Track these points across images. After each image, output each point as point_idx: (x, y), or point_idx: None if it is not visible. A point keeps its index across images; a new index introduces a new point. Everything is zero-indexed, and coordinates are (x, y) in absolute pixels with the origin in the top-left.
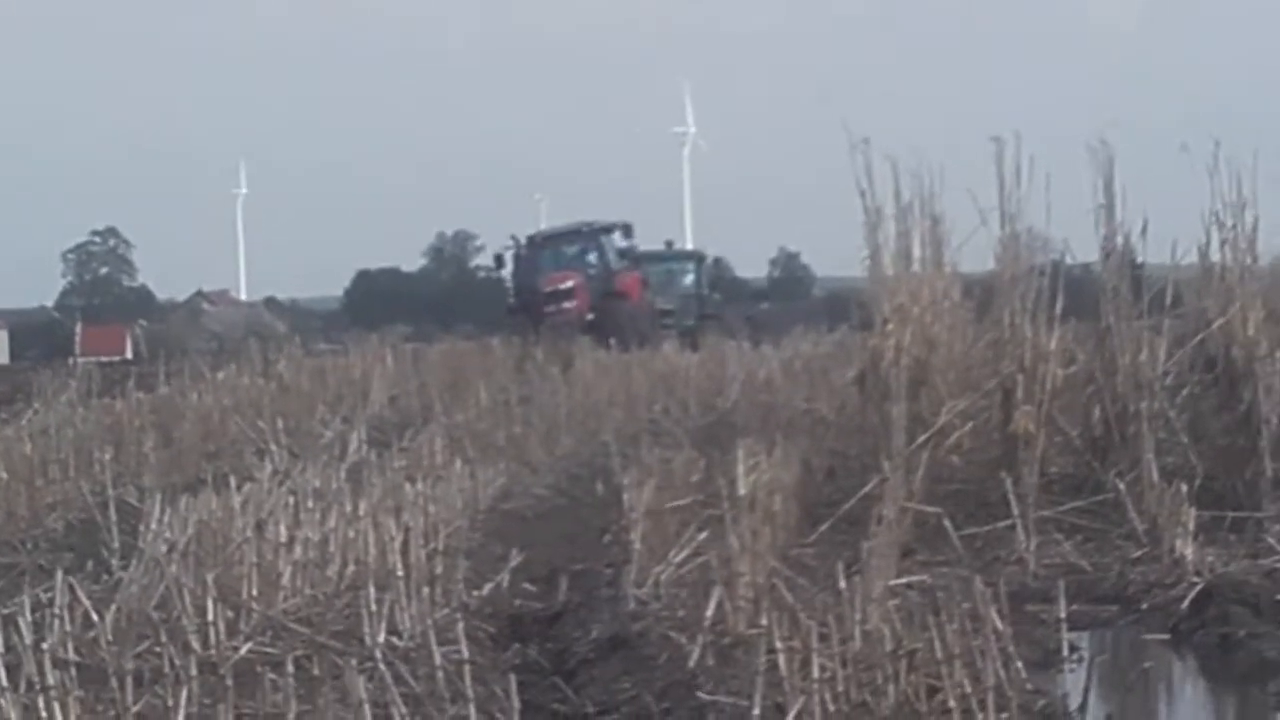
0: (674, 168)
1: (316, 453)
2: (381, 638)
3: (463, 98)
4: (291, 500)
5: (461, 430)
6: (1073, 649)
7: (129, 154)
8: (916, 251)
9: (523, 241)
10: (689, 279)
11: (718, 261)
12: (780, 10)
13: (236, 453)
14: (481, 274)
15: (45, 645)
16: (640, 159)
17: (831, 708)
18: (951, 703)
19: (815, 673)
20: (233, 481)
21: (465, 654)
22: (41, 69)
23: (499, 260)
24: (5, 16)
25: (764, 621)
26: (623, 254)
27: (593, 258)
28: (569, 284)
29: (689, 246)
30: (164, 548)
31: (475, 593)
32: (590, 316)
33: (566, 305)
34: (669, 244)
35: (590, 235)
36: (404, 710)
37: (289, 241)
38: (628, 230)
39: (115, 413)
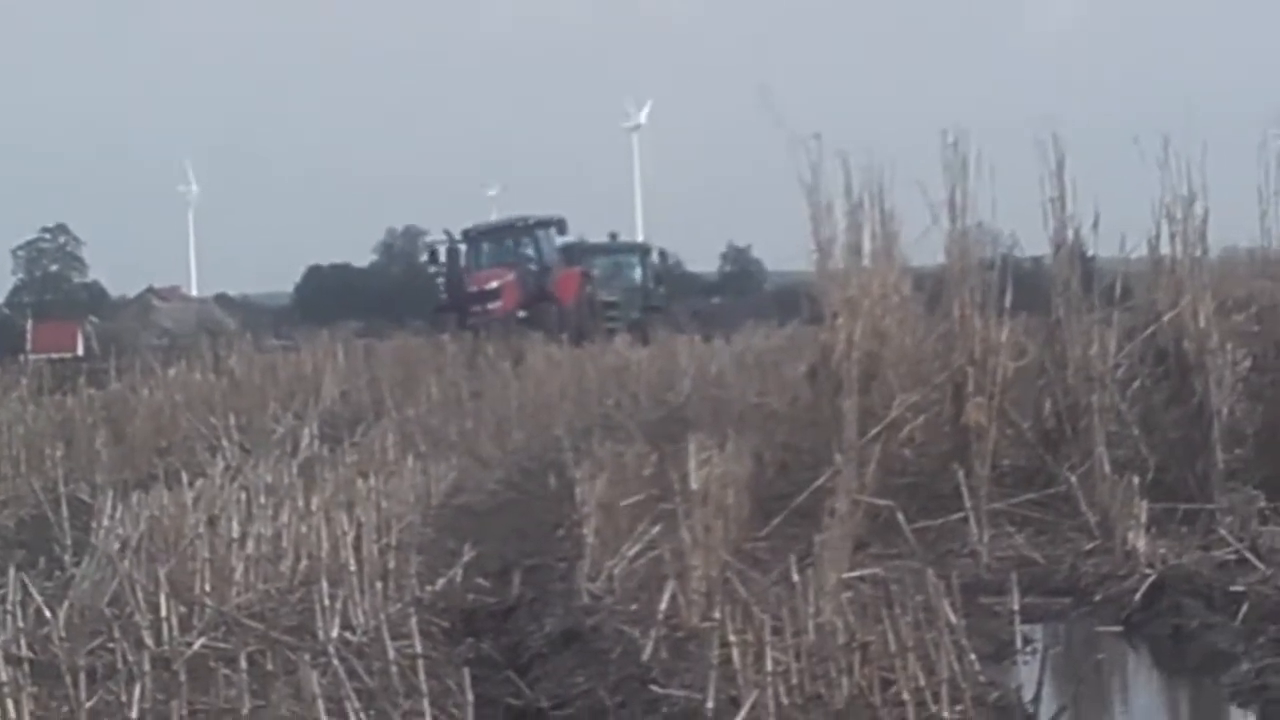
0: (625, 162)
1: (269, 448)
2: (335, 632)
3: (413, 93)
4: (244, 496)
5: (413, 425)
6: (1026, 641)
7: (78, 150)
8: (867, 245)
9: (456, 236)
10: (635, 271)
11: (663, 254)
12: (733, 2)
13: (188, 449)
14: (431, 269)
15: None
16: (591, 154)
17: (785, 700)
18: (905, 695)
19: (769, 665)
20: (185, 477)
21: (419, 648)
22: None
23: (432, 255)
24: None
25: (717, 615)
26: (562, 250)
27: (529, 253)
28: (494, 284)
29: (639, 239)
30: (116, 544)
31: (428, 587)
32: (522, 314)
33: (492, 306)
34: (613, 236)
35: (525, 230)
36: (357, 705)
37: (240, 238)
38: (561, 226)
39: (66, 409)
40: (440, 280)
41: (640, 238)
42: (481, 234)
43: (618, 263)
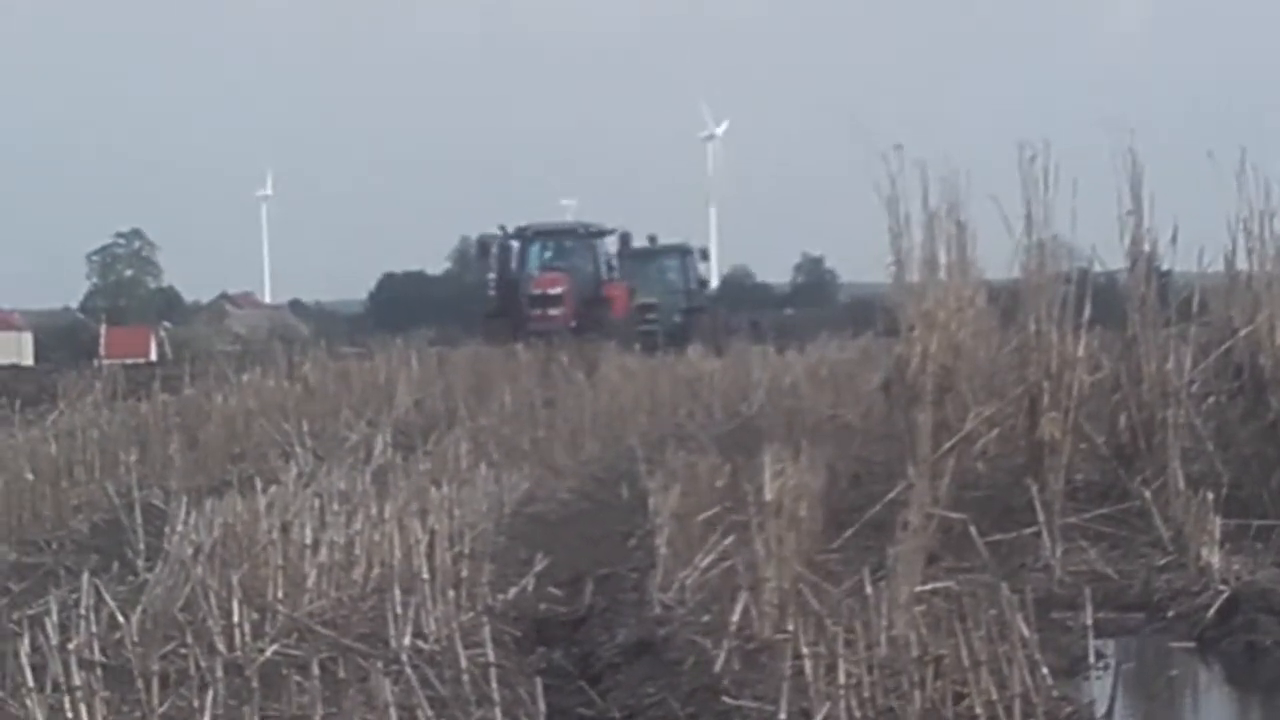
0: (699, 173)
1: (342, 455)
2: (407, 640)
3: (491, 101)
4: (317, 503)
5: (486, 434)
6: (1099, 656)
7: (154, 156)
8: (942, 258)
9: (510, 232)
10: (675, 274)
11: (705, 253)
12: (808, 13)
13: (261, 455)
14: (486, 268)
15: (71, 646)
16: (667, 164)
17: (858, 713)
18: (978, 709)
19: (841, 678)
20: (258, 484)
21: (491, 657)
22: (69, 71)
23: (482, 248)
24: (35, 19)
25: (790, 627)
26: (610, 264)
27: (583, 261)
28: (558, 289)
29: (697, 242)
30: (189, 550)
31: (500, 596)
32: (573, 324)
33: (553, 312)
34: (652, 239)
35: (585, 236)
36: (429, 713)
37: (314, 244)
38: (625, 238)
39: (140, 414)
40: (490, 279)
41: (714, 248)
42: (538, 234)
43: (659, 266)
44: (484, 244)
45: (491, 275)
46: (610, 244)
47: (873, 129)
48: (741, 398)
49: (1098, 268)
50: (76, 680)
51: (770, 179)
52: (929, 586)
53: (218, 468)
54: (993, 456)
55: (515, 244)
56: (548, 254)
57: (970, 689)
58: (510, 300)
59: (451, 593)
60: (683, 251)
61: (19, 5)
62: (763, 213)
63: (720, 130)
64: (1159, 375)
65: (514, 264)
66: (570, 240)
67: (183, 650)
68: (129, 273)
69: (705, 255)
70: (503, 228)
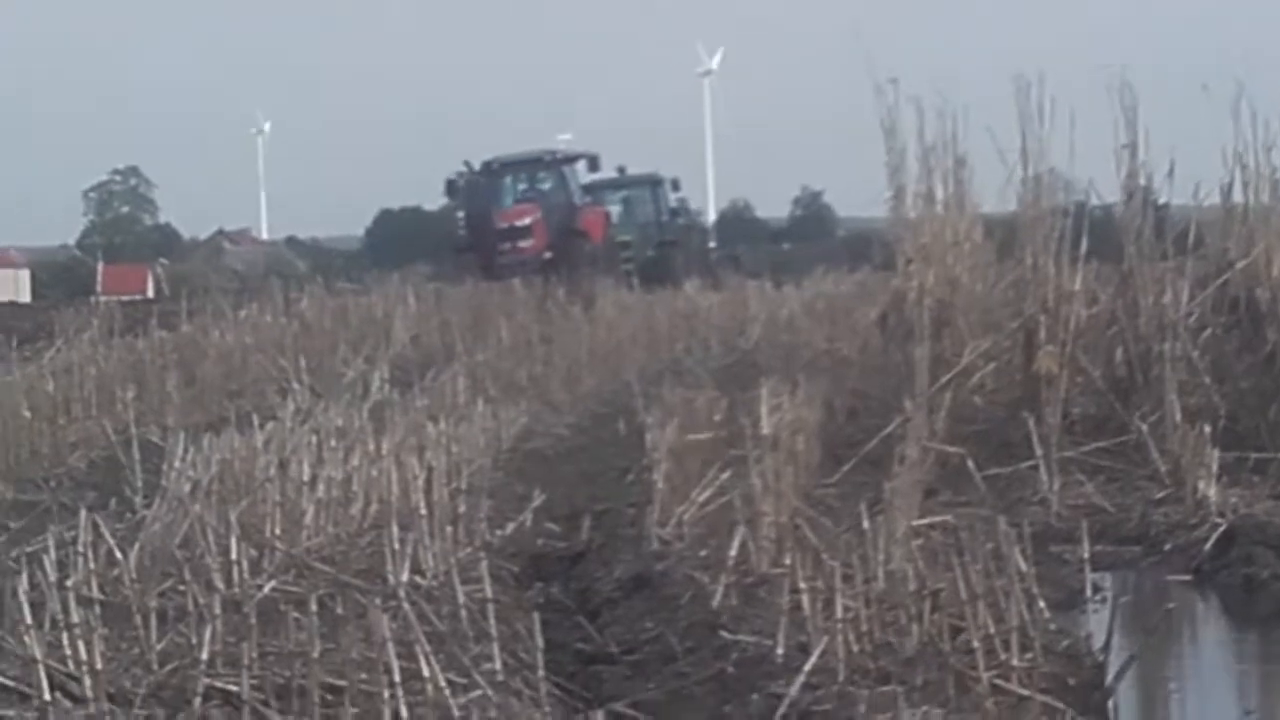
0: (696, 107)
1: (339, 392)
2: (405, 576)
3: (485, 35)
4: (314, 439)
5: (483, 370)
6: (1096, 589)
7: (150, 93)
8: (940, 192)
9: (477, 167)
10: (648, 206)
11: (676, 184)
12: None
13: (259, 392)
14: (452, 204)
15: (69, 583)
16: (664, 100)
17: (855, 647)
18: (975, 643)
19: (838, 613)
20: (255, 420)
21: (488, 593)
22: (65, 8)
23: (451, 188)
24: None
25: (787, 561)
26: (586, 188)
27: (554, 189)
28: (526, 220)
29: (714, 190)
30: (187, 486)
31: (498, 532)
32: (548, 255)
33: (522, 244)
34: (621, 170)
35: (552, 164)
36: (428, 648)
37: (311, 181)
38: (594, 162)
39: (137, 351)
40: (459, 217)
41: (711, 183)
42: (505, 167)
43: (628, 198)
44: (451, 183)
45: (460, 213)
46: (580, 169)
47: (870, 62)
48: (739, 332)
49: (1094, 201)
50: (75, 617)
51: (768, 114)
52: (926, 520)
53: (215, 404)
54: (989, 390)
55: (483, 179)
56: (516, 186)
57: (967, 622)
58: (481, 235)
59: (449, 529)
60: (653, 182)
61: None
62: (761, 148)
63: (715, 63)
64: (1156, 309)
65: (484, 199)
66: (539, 170)
67: (180, 587)
68: (125, 210)
69: (676, 185)
70: (468, 163)
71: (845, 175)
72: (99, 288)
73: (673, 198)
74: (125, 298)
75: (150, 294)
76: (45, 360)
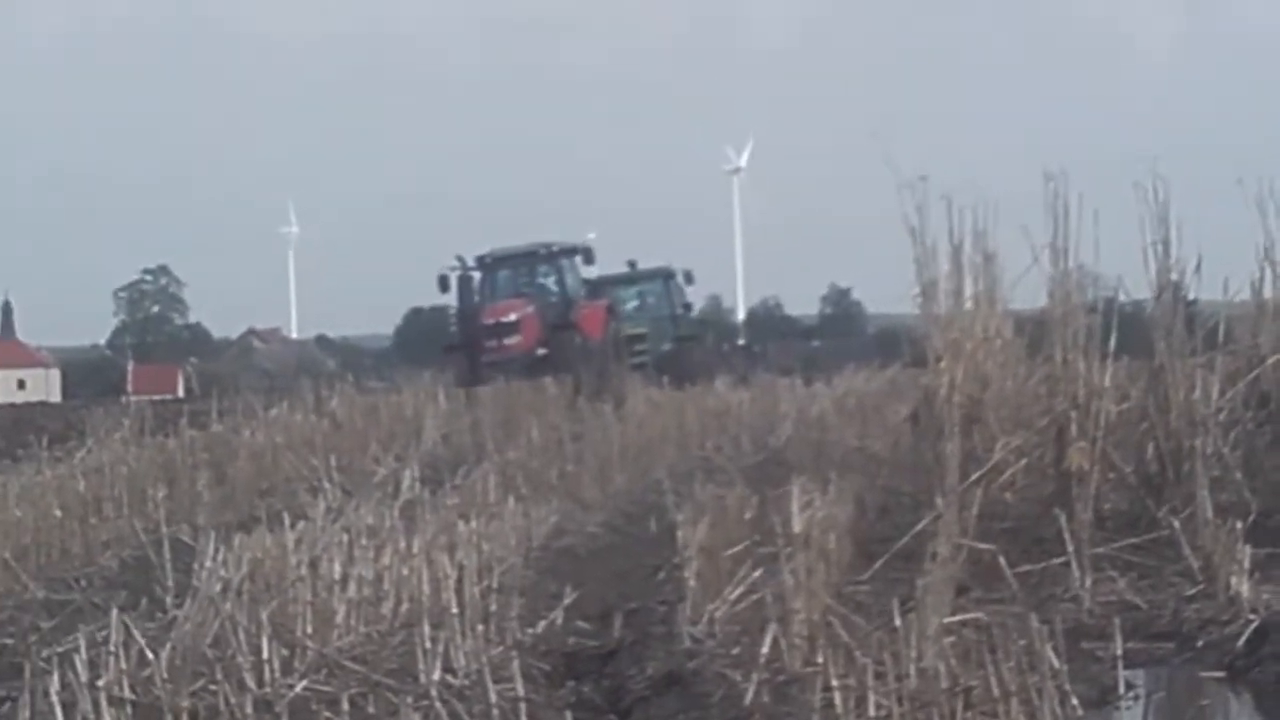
0: (725, 205)
1: (370, 490)
2: (436, 675)
3: (514, 136)
4: (345, 538)
5: (514, 468)
6: (1129, 687)
7: (180, 193)
8: (969, 288)
9: (470, 262)
10: (662, 300)
11: (689, 276)
12: (831, 44)
13: (290, 490)
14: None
15: (100, 683)
16: (692, 198)
17: None
18: None
19: (871, 710)
20: (286, 519)
21: (520, 691)
22: (92, 109)
23: (443, 283)
24: (59, 55)
25: (819, 659)
26: (597, 283)
27: (550, 283)
28: (513, 316)
29: (743, 287)
30: (218, 586)
31: (530, 630)
32: (541, 352)
33: (509, 341)
34: (632, 264)
35: (548, 258)
36: None
37: (340, 279)
38: (588, 255)
39: (168, 450)
40: (452, 314)
41: (741, 280)
42: (499, 261)
43: (641, 292)
44: (444, 278)
45: (452, 313)
46: (578, 263)
47: (899, 160)
48: (769, 429)
49: (1123, 297)
50: (106, 717)
51: (798, 211)
52: (958, 617)
53: (246, 503)
54: (1021, 487)
55: (477, 274)
56: (510, 280)
57: None
58: (470, 333)
59: (480, 627)
60: (666, 275)
61: (46, 43)
62: (791, 245)
63: (744, 160)
64: (1186, 404)
65: (476, 294)
66: (534, 263)
67: (212, 687)
68: (156, 309)
69: (690, 278)
70: (460, 259)
71: (874, 272)
72: (129, 387)
73: (686, 291)
74: (156, 397)
75: (181, 393)
76: (76, 460)
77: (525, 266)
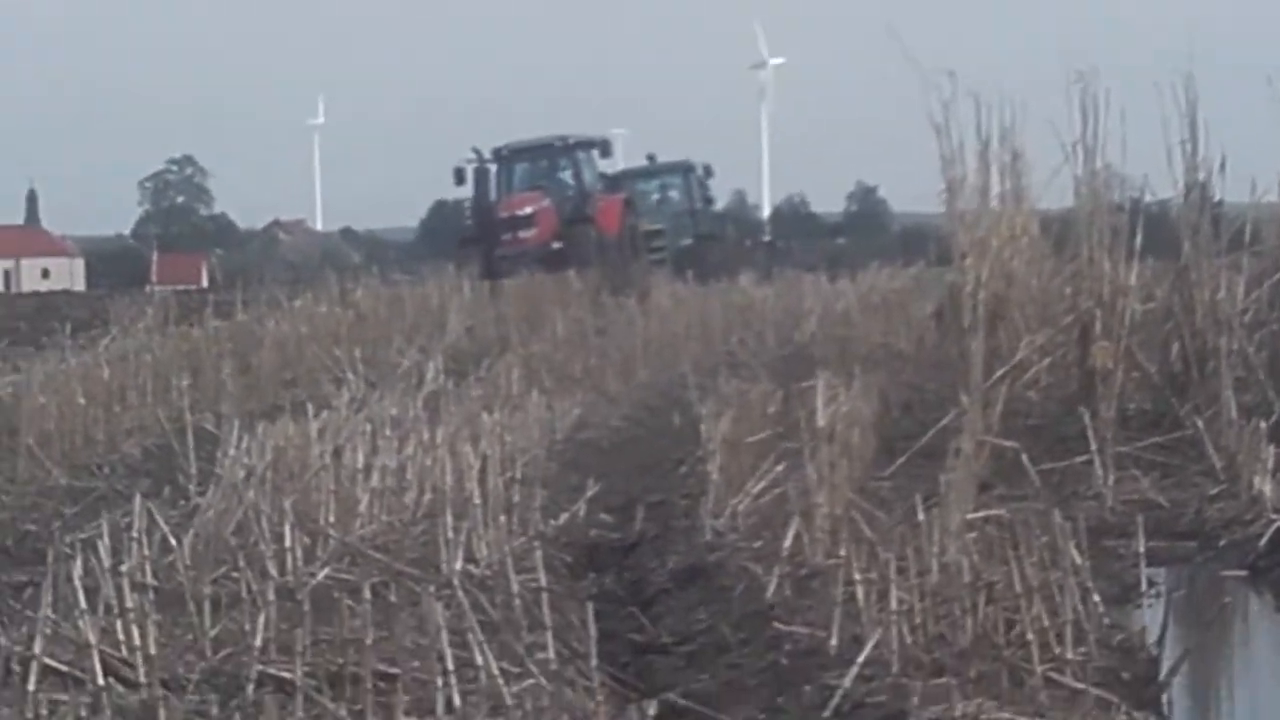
0: (751, 103)
1: (393, 381)
2: (458, 565)
3: (541, 27)
4: (369, 428)
5: (538, 361)
6: (1150, 585)
7: (206, 83)
8: (995, 186)
9: (486, 155)
10: (680, 194)
11: (708, 170)
12: None
13: (314, 381)
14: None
15: (123, 569)
16: (720, 94)
17: (909, 639)
18: (1029, 636)
19: (893, 605)
20: (310, 409)
21: (542, 582)
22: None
23: (459, 176)
24: None
25: (841, 553)
26: (616, 176)
27: (567, 177)
28: (528, 209)
29: (769, 183)
30: (241, 474)
31: (552, 522)
32: (556, 245)
33: (524, 234)
34: (651, 158)
35: (564, 151)
36: (481, 637)
37: (366, 171)
38: (605, 148)
39: (192, 340)
40: (467, 207)
41: (766, 177)
42: (515, 153)
43: (662, 185)
44: (459, 171)
45: (468, 202)
46: (595, 156)
47: (924, 56)
48: (794, 325)
49: (1148, 197)
50: (129, 603)
51: (824, 108)
52: (980, 514)
53: (270, 393)
54: (1044, 385)
55: (493, 167)
56: (526, 173)
57: (1022, 616)
58: (486, 227)
59: (503, 518)
60: (685, 169)
61: None
62: (817, 142)
63: (774, 63)
64: (1211, 304)
65: (493, 187)
66: (550, 156)
67: (234, 574)
68: (181, 199)
69: (709, 172)
70: (477, 151)
71: (901, 170)
72: (153, 277)
73: (708, 185)
74: (180, 287)
75: (205, 284)
76: (100, 348)
77: (542, 159)
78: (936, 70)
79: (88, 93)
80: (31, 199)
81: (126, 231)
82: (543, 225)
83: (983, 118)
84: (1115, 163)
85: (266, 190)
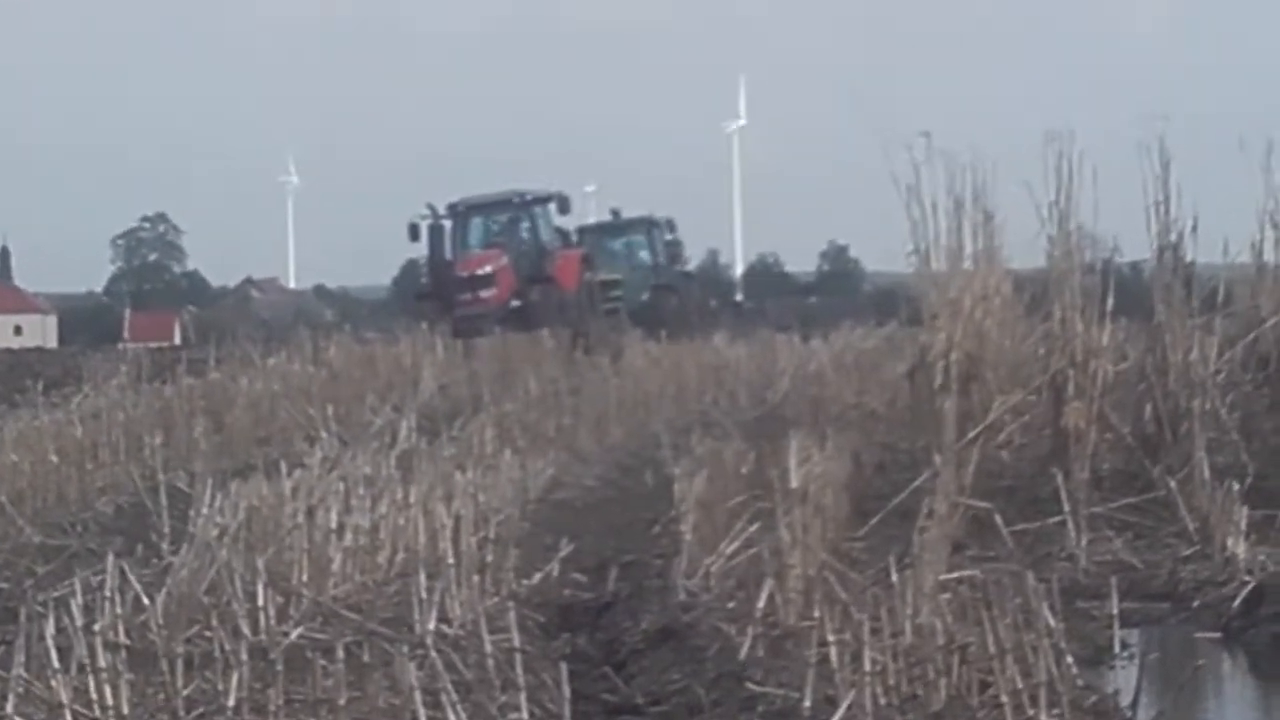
0: (724, 162)
1: (367, 440)
2: (432, 625)
3: (515, 88)
4: (342, 487)
5: (511, 420)
6: (1124, 646)
7: (179, 141)
8: (968, 247)
9: (441, 211)
10: (643, 250)
11: (671, 225)
12: (835, 2)
13: (287, 439)
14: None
15: (96, 628)
16: (691, 153)
17: (883, 700)
18: (1003, 698)
19: (866, 665)
20: (283, 468)
21: (516, 642)
22: (94, 57)
23: (413, 232)
24: (64, 4)
25: (815, 614)
26: (580, 231)
27: (524, 233)
28: (488, 268)
29: (742, 243)
30: (215, 532)
31: (525, 581)
32: (516, 304)
33: (484, 294)
34: (615, 213)
35: (521, 206)
36: (454, 697)
37: (339, 230)
38: (563, 203)
39: (165, 398)
40: (422, 263)
41: (739, 237)
42: (470, 209)
43: (626, 241)
44: (414, 227)
45: (423, 262)
46: (551, 211)
47: (898, 117)
48: (767, 385)
49: (1120, 258)
50: (102, 662)
51: (797, 167)
52: (954, 575)
53: (243, 451)
54: (1018, 445)
55: (448, 223)
56: (482, 229)
57: (995, 677)
58: (442, 283)
59: (476, 578)
60: (649, 224)
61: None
62: (789, 202)
63: (744, 117)
64: (1184, 366)
65: (448, 244)
66: (507, 212)
67: (207, 633)
68: (154, 257)
69: (672, 227)
70: (431, 207)
71: (873, 229)
72: (126, 334)
73: (669, 240)
74: (153, 345)
75: (178, 341)
76: (73, 406)
77: (498, 215)
78: (910, 131)
79: (60, 150)
80: (4, 255)
81: (99, 289)
82: (502, 284)
83: (955, 178)
84: (1088, 223)
85: (239, 248)
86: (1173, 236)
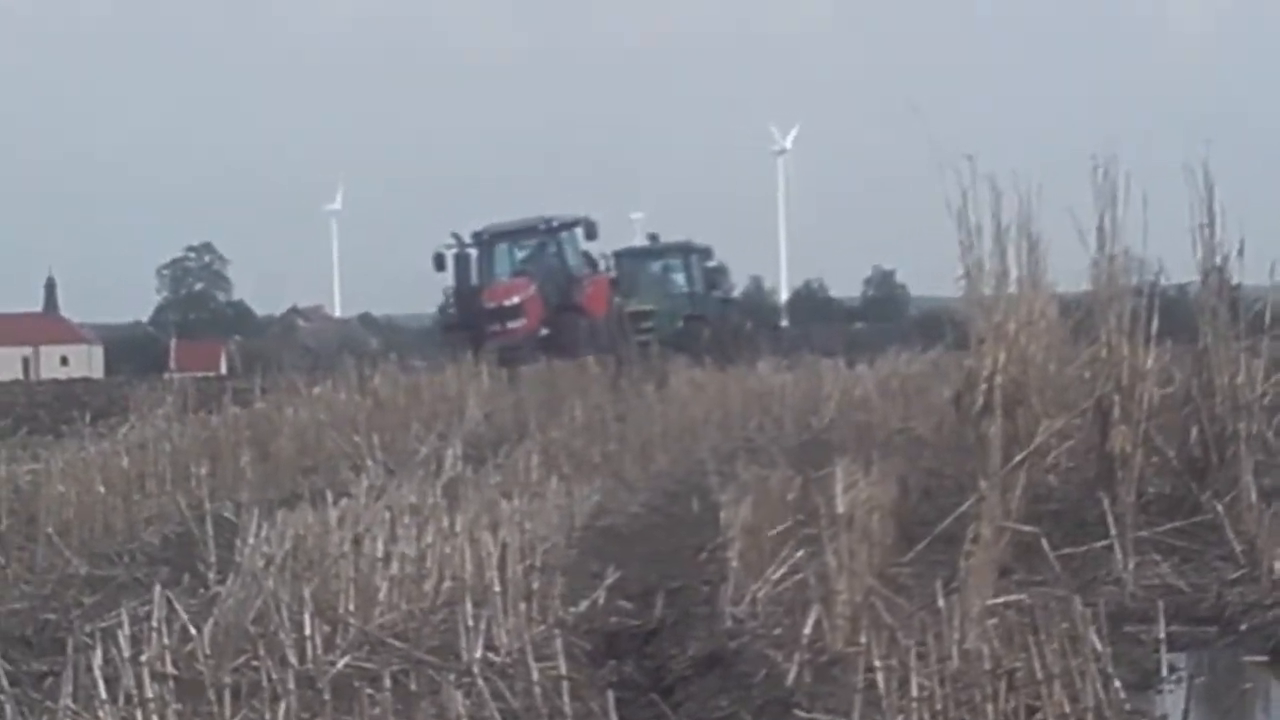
0: (770, 186)
1: (412, 468)
2: (478, 653)
3: (560, 113)
4: (388, 515)
5: (557, 447)
6: (1171, 670)
7: (225, 170)
8: (1013, 271)
9: (467, 239)
10: (679, 276)
11: (708, 252)
12: (878, 26)
13: (333, 468)
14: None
15: (143, 658)
16: (738, 179)
17: None
18: None
19: (914, 691)
20: (329, 496)
21: (562, 670)
22: (140, 88)
23: (439, 262)
24: (106, 29)
25: (862, 640)
26: (587, 256)
27: (551, 259)
28: (516, 299)
29: (786, 269)
30: (261, 562)
31: (572, 609)
32: (545, 332)
33: (513, 325)
34: (653, 238)
35: (547, 232)
36: None
37: (384, 258)
38: (590, 229)
39: (211, 427)
40: (448, 293)
41: (784, 262)
42: (495, 237)
43: (664, 266)
44: (439, 256)
45: (448, 292)
46: (579, 236)
47: (944, 141)
48: (812, 411)
49: (1165, 281)
50: (149, 692)
51: (842, 193)
52: (1001, 599)
53: (289, 480)
54: (1064, 469)
55: (473, 252)
56: (508, 257)
57: (1043, 702)
58: (469, 313)
59: (523, 606)
60: (686, 250)
61: (93, 13)
62: (835, 227)
63: (789, 141)
64: (1231, 389)
65: (474, 272)
66: (533, 238)
67: (254, 662)
68: (199, 286)
69: (710, 255)
70: (456, 235)
71: (919, 254)
72: (172, 364)
73: (709, 268)
74: (198, 374)
75: (223, 371)
76: (120, 436)
77: (524, 242)
78: (955, 154)
79: (106, 180)
80: (50, 287)
81: (145, 319)
82: (530, 314)
83: (1001, 202)
84: (1133, 246)
85: (284, 277)
86: (1218, 259)
